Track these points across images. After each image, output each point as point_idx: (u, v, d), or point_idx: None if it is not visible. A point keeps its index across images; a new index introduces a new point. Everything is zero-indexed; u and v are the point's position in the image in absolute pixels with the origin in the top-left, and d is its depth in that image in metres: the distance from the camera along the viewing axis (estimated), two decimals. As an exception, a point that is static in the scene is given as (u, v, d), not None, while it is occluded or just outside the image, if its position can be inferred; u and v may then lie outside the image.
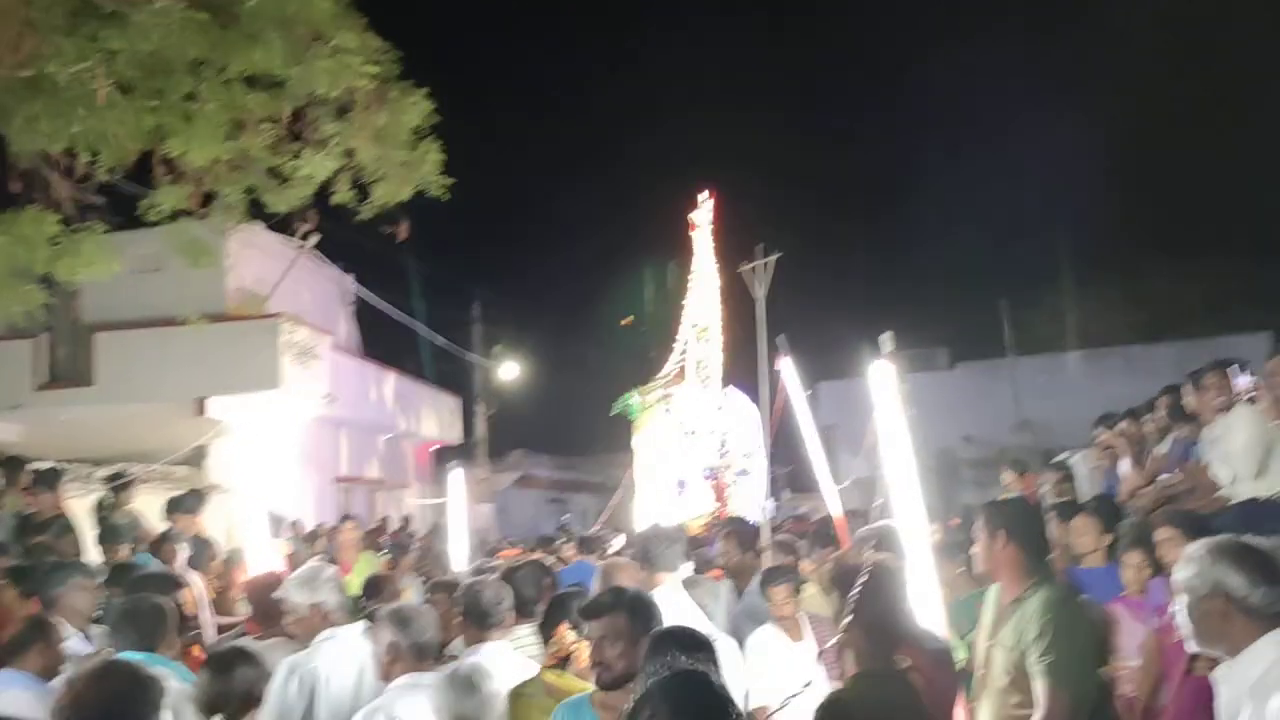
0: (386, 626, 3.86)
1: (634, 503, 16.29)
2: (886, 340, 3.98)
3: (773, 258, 14.46)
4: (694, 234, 16.81)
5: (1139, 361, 25.36)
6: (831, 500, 7.36)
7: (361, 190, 8.34)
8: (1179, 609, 2.91)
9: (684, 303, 16.79)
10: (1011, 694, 3.57)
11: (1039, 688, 3.42)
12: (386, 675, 3.84)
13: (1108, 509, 6.57)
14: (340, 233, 13.21)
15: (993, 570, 3.85)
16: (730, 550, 6.22)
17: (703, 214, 16.82)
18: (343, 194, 8.28)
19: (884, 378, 4.23)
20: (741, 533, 6.54)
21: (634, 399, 16.42)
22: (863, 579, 3.27)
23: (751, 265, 14.58)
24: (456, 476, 8.76)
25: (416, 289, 22.96)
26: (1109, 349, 27.95)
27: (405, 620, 3.87)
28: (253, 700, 3.72)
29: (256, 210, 8.66)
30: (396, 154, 8.07)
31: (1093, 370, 26.49)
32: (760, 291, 14.17)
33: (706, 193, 16.75)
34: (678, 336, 16.70)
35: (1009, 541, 3.73)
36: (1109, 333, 29.47)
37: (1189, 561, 2.88)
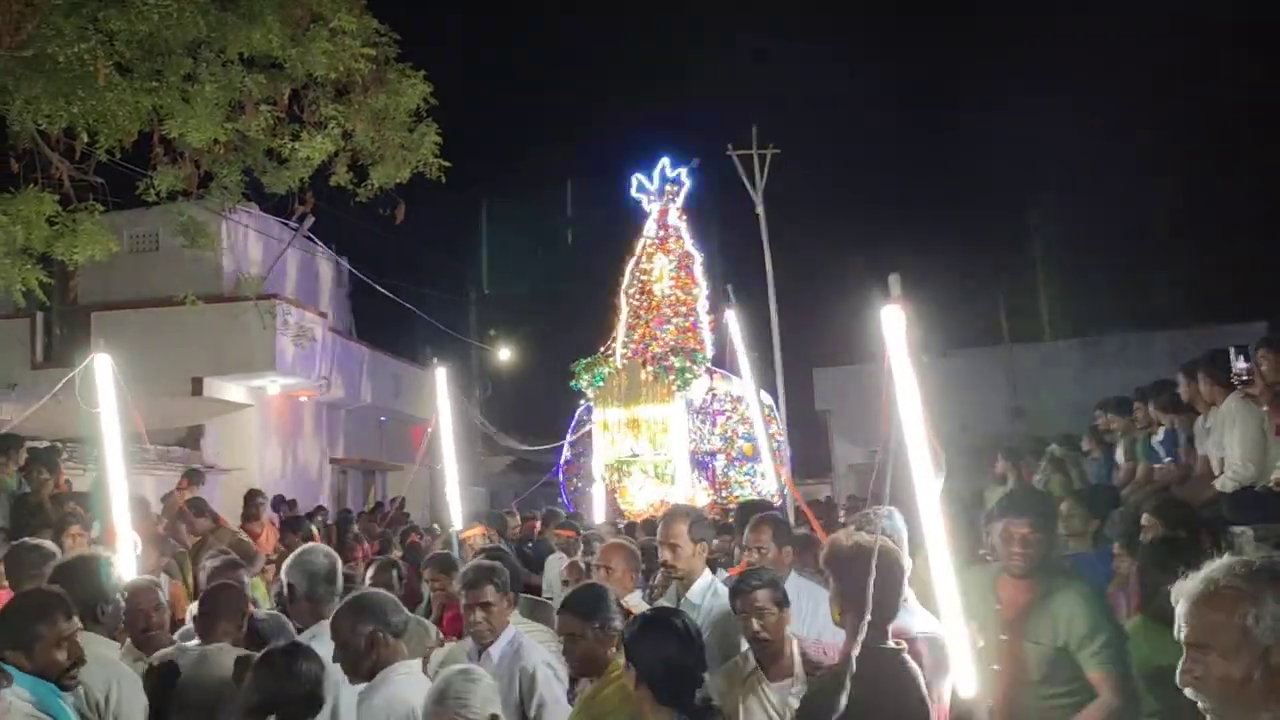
0: (363, 616, 3.60)
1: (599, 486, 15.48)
2: (894, 283, 3.31)
3: (769, 150, 12.55)
4: (667, 205, 16.02)
5: (1134, 350, 25.42)
6: (769, 474, 6.74)
7: (359, 172, 8.33)
8: (1210, 675, 1.93)
9: (639, 272, 16.00)
10: (1045, 687, 3.71)
11: (1099, 676, 3.63)
12: (370, 669, 3.58)
13: (1097, 496, 6.62)
14: (337, 216, 13.23)
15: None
16: (763, 542, 4.88)
17: (673, 182, 15.81)
18: (340, 176, 8.28)
19: (894, 323, 3.36)
20: (777, 522, 5.27)
21: (604, 370, 15.75)
22: (868, 562, 3.16)
23: (746, 152, 12.39)
24: (441, 375, 7.36)
25: (412, 272, 22.92)
26: (1104, 337, 27.96)
27: (380, 607, 3.66)
28: (316, 702, 3.35)
29: (254, 192, 8.66)
30: (394, 136, 8.07)
31: (1088, 358, 26.52)
32: (758, 187, 12.17)
33: (664, 161, 15.83)
34: (624, 303, 15.99)
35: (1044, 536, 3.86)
36: (1105, 321, 29.49)
37: (1238, 601, 1.90)
